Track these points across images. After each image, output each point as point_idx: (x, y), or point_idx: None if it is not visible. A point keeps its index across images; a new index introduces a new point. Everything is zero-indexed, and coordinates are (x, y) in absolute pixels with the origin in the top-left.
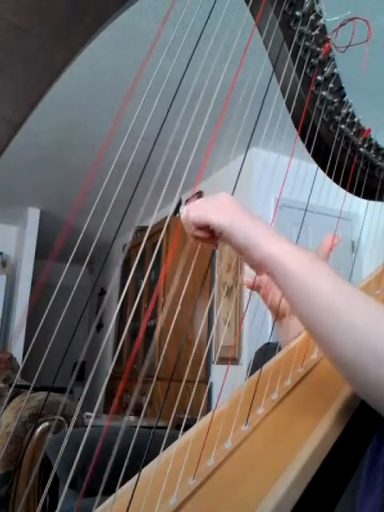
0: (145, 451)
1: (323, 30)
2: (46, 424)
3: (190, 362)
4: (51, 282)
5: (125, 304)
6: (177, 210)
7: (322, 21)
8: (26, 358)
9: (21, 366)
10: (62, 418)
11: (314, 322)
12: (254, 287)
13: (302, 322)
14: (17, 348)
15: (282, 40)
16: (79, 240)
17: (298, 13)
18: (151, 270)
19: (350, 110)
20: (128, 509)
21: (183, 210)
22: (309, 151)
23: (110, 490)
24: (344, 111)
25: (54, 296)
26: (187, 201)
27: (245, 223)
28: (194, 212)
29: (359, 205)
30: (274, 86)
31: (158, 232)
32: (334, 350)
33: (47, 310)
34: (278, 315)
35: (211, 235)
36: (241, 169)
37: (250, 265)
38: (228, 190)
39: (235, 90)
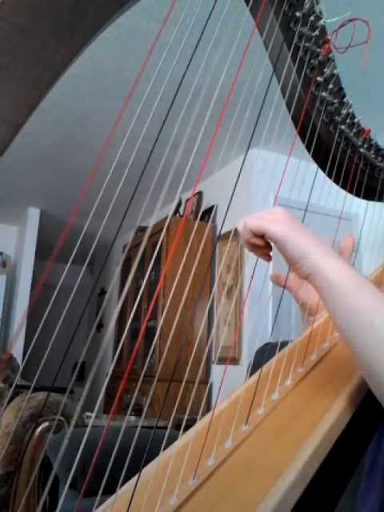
0: (145, 451)
1: (323, 30)
2: (46, 424)
3: (190, 363)
4: (51, 282)
5: (125, 304)
6: (177, 210)
7: (321, 22)
8: (26, 358)
9: (21, 366)
10: (62, 418)
11: (355, 338)
12: (286, 286)
13: (343, 336)
14: (17, 348)
15: (282, 41)
16: (79, 240)
17: (297, 14)
18: (151, 270)
19: (350, 110)
20: (128, 509)
21: (241, 221)
22: (309, 152)
23: (110, 490)
24: (344, 112)
25: (54, 296)
26: (187, 201)
27: (298, 237)
28: (254, 221)
29: (359, 205)
30: (274, 87)
31: (158, 232)
32: (373, 367)
33: (47, 310)
34: (310, 313)
35: (266, 244)
36: (241, 169)
37: (299, 275)
38: (228, 189)
39: (235, 90)
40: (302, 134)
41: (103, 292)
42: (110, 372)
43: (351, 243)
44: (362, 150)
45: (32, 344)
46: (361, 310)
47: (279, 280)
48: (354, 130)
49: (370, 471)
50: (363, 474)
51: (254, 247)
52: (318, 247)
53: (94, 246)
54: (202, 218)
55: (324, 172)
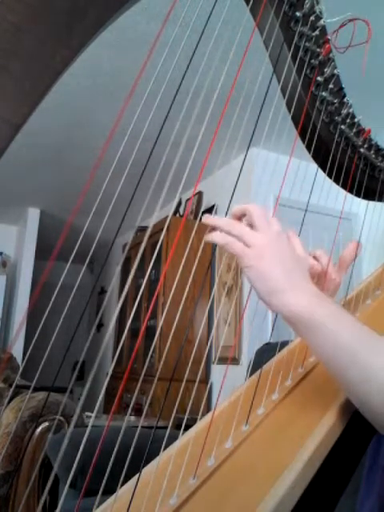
0: (145, 451)
1: (323, 30)
2: (46, 424)
3: (190, 362)
4: (51, 281)
5: (125, 304)
6: (177, 210)
7: (322, 22)
8: (26, 358)
9: (21, 366)
10: (61, 418)
11: (339, 373)
12: None
13: (333, 375)
14: (17, 348)
15: (283, 41)
16: (80, 240)
17: (298, 14)
18: (151, 269)
19: (350, 110)
20: (128, 509)
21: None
22: (309, 152)
23: (110, 490)
24: (344, 112)
25: (54, 296)
26: (187, 201)
27: (270, 271)
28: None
29: (359, 205)
30: (274, 87)
31: (158, 232)
32: (359, 399)
33: (47, 310)
34: None
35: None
36: (241, 169)
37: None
38: (228, 189)
39: (236, 90)
40: (302, 134)
41: (103, 291)
42: (110, 371)
43: (352, 252)
44: (362, 150)
45: (32, 344)
46: (342, 348)
47: None
48: (354, 130)
49: (369, 471)
50: (363, 474)
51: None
52: (293, 284)
53: (94, 246)
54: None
55: (324, 172)
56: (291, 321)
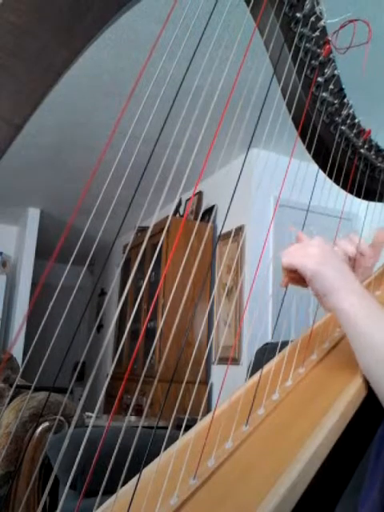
0: (145, 451)
1: (324, 31)
2: (46, 424)
3: (190, 363)
4: (52, 282)
5: (125, 305)
6: (177, 211)
7: (322, 22)
8: (26, 358)
9: (21, 366)
10: (62, 418)
11: (372, 371)
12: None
13: (363, 369)
14: (17, 348)
15: (283, 42)
16: (80, 241)
17: (298, 14)
18: (152, 270)
19: (351, 111)
20: (129, 509)
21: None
22: (309, 152)
23: (110, 491)
24: (344, 112)
25: (54, 297)
26: (187, 201)
27: (327, 273)
28: (286, 258)
29: (359, 205)
30: (274, 88)
31: (158, 233)
32: None
33: (47, 311)
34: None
35: (301, 277)
36: (242, 169)
37: (324, 308)
38: (228, 190)
39: (236, 91)
40: (302, 134)
41: (103, 292)
42: (111, 372)
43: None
44: (362, 150)
45: (32, 344)
46: (377, 348)
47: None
48: (355, 131)
49: (374, 469)
50: (368, 467)
51: (293, 280)
52: (344, 285)
53: (94, 247)
54: (202, 219)
55: (324, 172)
56: (339, 319)
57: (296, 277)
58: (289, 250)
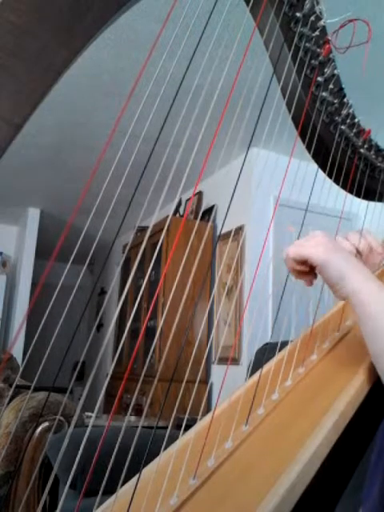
0: (145, 451)
1: (323, 31)
2: (46, 424)
3: (190, 363)
4: (51, 281)
5: (125, 304)
6: (177, 210)
7: (322, 22)
8: (26, 358)
9: (21, 366)
10: (62, 418)
11: (382, 356)
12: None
13: (372, 356)
14: (17, 348)
15: (283, 41)
16: (80, 240)
17: (298, 14)
18: (151, 270)
19: (351, 110)
20: (129, 509)
21: (284, 250)
22: (309, 152)
23: (110, 491)
24: (344, 112)
25: (54, 296)
26: (187, 201)
27: (338, 260)
28: (294, 249)
29: (359, 205)
30: (274, 87)
31: (158, 232)
32: None
33: (47, 310)
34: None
35: (310, 269)
36: (241, 169)
37: (337, 296)
38: (228, 189)
39: (236, 90)
40: (302, 134)
41: (103, 292)
42: (111, 372)
43: None
44: (362, 150)
45: (32, 344)
46: None
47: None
48: (355, 131)
49: (374, 468)
50: (368, 471)
51: (299, 274)
52: (356, 271)
53: (94, 246)
54: (202, 218)
55: (324, 172)
56: (353, 304)
57: (303, 270)
58: (295, 243)
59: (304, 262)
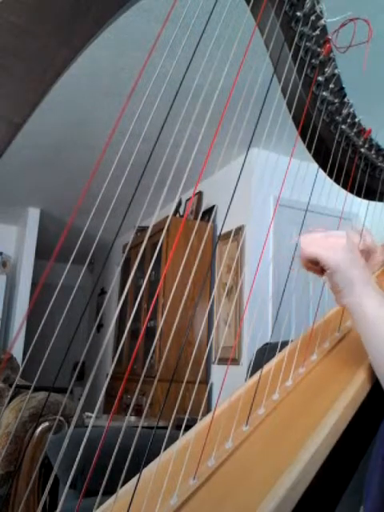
0: (145, 451)
1: (324, 30)
2: (46, 424)
3: (190, 363)
4: (51, 282)
5: (125, 304)
6: (177, 210)
7: (322, 21)
8: (26, 358)
9: (21, 366)
10: (62, 418)
11: (378, 361)
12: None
13: (374, 366)
14: (17, 348)
15: (283, 41)
16: (80, 240)
17: (298, 13)
18: (151, 270)
19: (351, 110)
20: (129, 509)
21: (301, 240)
22: (309, 152)
23: (110, 491)
24: (345, 112)
25: (54, 296)
26: (187, 201)
27: (348, 269)
28: (310, 249)
29: (360, 205)
30: (274, 87)
31: (158, 232)
32: None
33: (47, 310)
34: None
35: (321, 268)
36: (241, 169)
37: (337, 301)
38: (228, 189)
39: (236, 90)
40: (302, 134)
41: (103, 292)
42: (111, 372)
43: None
44: (362, 150)
45: (32, 344)
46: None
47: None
48: (355, 130)
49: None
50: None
51: (309, 268)
52: (363, 280)
53: (94, 246)
54: (202, 218)
55: (325, 172)
56: (353, 315)
57: (313, 268)
58: (313, 238)
59: (317, 262)
